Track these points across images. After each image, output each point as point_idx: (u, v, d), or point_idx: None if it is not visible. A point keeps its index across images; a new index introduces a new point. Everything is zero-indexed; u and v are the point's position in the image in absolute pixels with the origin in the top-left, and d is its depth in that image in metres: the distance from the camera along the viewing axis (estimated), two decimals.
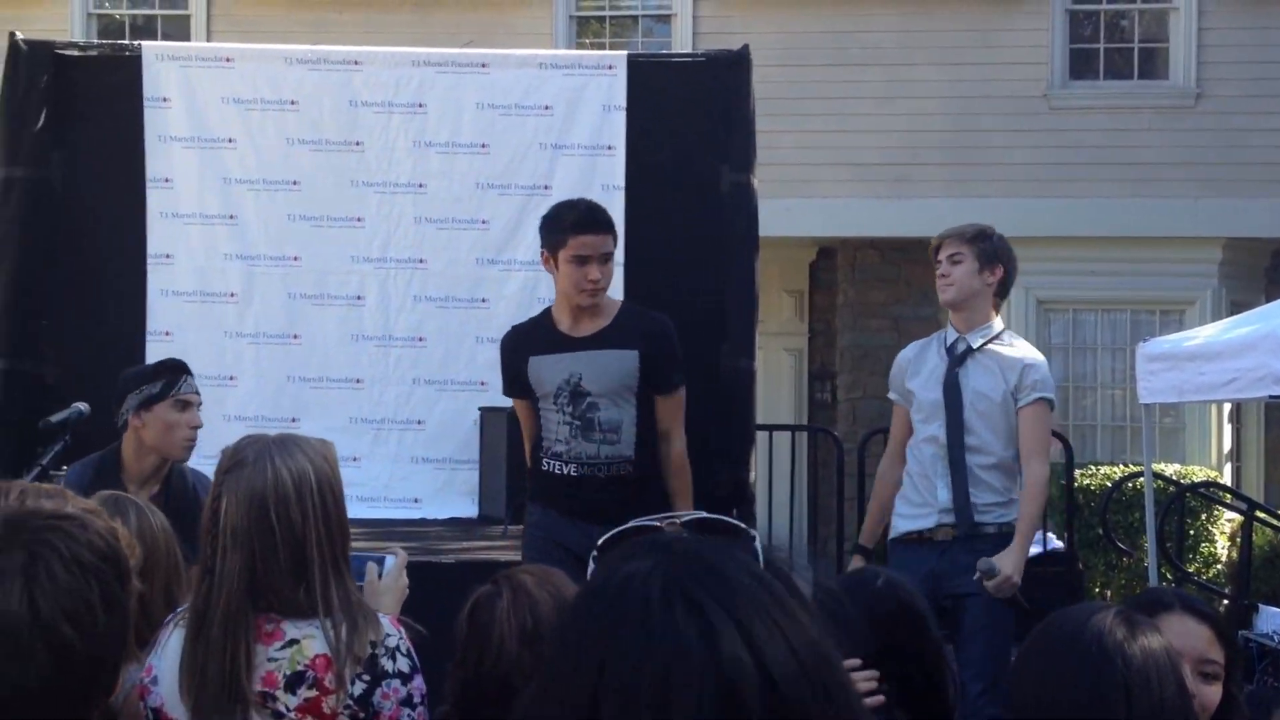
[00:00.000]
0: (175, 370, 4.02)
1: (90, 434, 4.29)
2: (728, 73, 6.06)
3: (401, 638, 2.47)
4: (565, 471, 4.35)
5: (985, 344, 4.63)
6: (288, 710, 2.39)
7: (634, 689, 1.03)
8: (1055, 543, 7.44)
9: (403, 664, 2.45)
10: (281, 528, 2.38)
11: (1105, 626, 1.86)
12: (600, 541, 1.52)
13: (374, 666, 2.41)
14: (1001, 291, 4.71)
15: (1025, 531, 4.50)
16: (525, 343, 4.50)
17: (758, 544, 1.30)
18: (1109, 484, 9.04)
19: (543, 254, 4.45)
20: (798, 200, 9.68)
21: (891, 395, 4.94)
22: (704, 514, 1.37)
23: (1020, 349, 4.72)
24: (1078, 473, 8.52)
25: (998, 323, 4.71)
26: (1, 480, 1.35)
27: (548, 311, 4.59)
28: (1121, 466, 9.57)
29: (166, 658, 2.42)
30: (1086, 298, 10.48)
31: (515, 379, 4.51)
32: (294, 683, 2.39)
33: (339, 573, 2.43)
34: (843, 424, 10.31)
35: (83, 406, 3.96)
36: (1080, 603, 2.78)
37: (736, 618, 1.04)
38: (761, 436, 6.85)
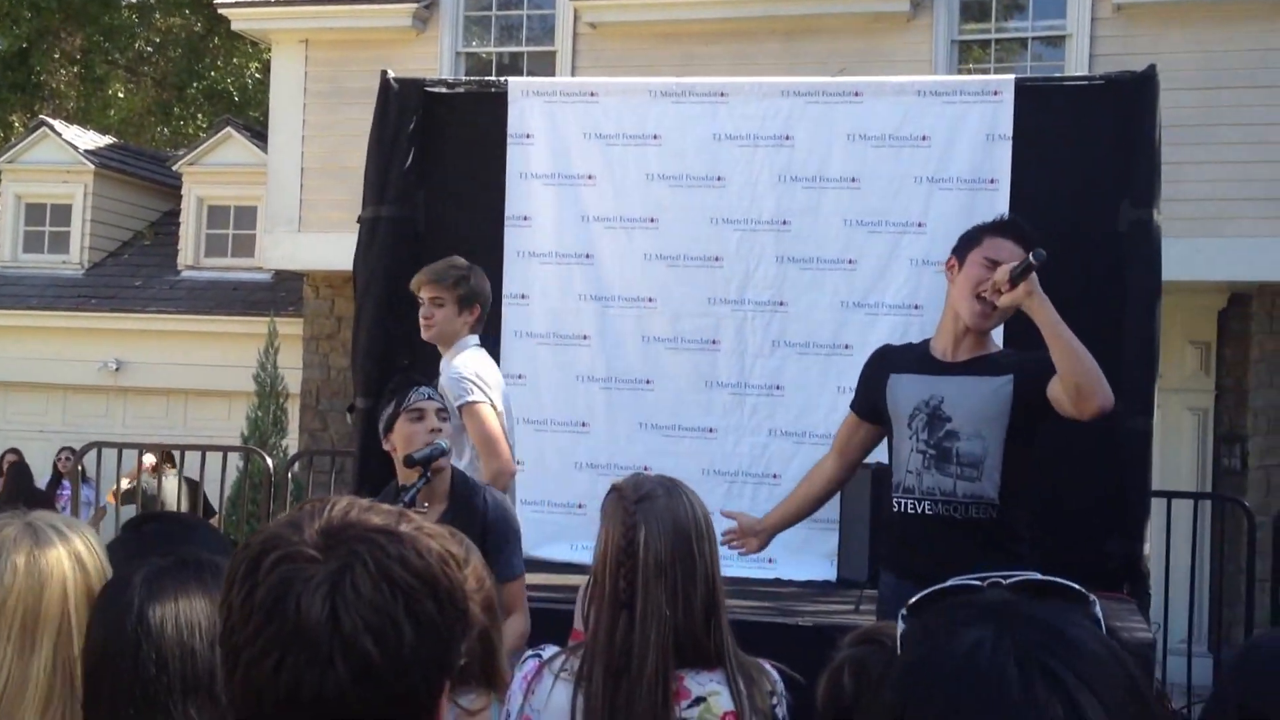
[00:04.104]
0: (402, 386, 4.04)
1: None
2: (1131, 96, 5.57)
3: (779, 680, 2.43)
4: (916, 509, 3.81)
5: None
6: None
7: None
8: None
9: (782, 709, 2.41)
10: (702, 561, 2.35)
11: None
12: (911, 601, 1.29)
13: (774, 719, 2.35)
14: None
15: None
16: (892, 360, 4.04)
17: (1098, 609, 1.20)
18: None
19: (949, 260, 3.96)
20: (1208, 239, 8.93)
21: None
22: (1034, 575, 1.24)
23: None
24: None
25: None
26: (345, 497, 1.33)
27: (927, 340, 4.09)
28: None
29: (550, 711, 2.34)
30: None
31: (868, 398, 4.05)
32: None
33: (726, 621, 2.38)
34: (1254, 494, 9.35)
35: (443, 443, 3.94)
36: None
37: (1099, 697, 0.97)
38: (1158, 505, 6.14)
